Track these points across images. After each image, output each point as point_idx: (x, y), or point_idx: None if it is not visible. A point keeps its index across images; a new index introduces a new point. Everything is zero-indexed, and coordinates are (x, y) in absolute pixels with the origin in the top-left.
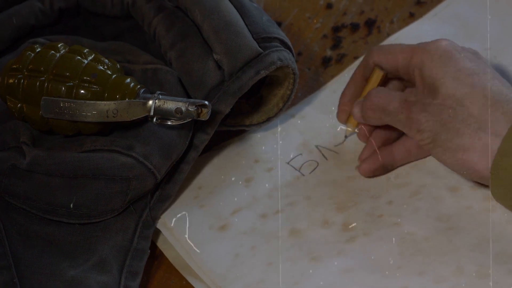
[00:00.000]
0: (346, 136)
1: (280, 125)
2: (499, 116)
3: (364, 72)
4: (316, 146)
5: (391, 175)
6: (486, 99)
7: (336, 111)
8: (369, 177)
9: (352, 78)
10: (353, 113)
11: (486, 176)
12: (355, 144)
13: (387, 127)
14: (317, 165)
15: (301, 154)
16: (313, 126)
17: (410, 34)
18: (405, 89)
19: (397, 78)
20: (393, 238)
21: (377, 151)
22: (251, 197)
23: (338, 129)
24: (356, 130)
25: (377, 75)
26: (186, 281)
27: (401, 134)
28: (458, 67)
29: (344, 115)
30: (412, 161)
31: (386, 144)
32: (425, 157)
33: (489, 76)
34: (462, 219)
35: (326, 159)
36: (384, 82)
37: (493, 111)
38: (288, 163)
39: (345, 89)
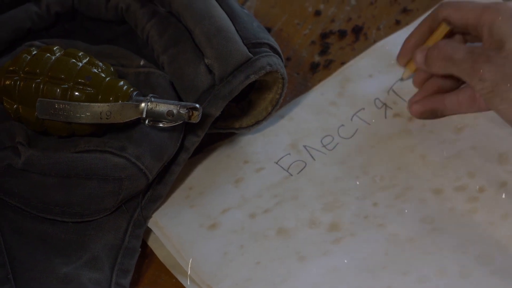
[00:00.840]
0: (402, 79)
1: (269, 126)
2: None
3: (431, 24)
4: (304, 147)
5: (377, 177)
6: None
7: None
8: (418, 117)
9: (418, 27)
10: (416, 58)
11: None
12: (344, 147)
13: (442, 77)
14: (305, 165)
15: (289, 154)
16: (302, 127)
17: (396, 41)
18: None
19: (461, 33)
20: (378, 239)
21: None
22: (241, 197)
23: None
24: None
25: (443, 29)
26: (176, 279)
27: (453, 87)
28: None
29: (404, 59)
30: (461, 113)
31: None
32: (473, 112)
33: None
34: (446, 221)
35: (314, 159)
36: (447, 36)
37: None
38: (276, 163)
39: (409, 35)
